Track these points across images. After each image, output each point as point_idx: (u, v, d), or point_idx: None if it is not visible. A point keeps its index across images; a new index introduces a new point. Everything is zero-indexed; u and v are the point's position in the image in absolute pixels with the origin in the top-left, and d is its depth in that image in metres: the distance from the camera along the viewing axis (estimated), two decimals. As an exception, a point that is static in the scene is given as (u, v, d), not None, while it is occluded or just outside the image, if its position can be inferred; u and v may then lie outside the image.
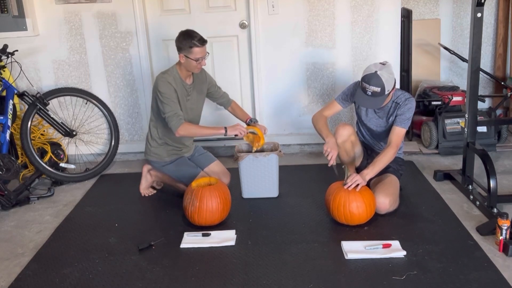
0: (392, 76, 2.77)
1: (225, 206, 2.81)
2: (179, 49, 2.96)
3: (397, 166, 3.04)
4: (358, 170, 3.17)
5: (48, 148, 3.74)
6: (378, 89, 2.72)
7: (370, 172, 2.80)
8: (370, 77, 2.73)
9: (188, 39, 2.91)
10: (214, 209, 2.75)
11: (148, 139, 3.21)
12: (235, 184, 3.28)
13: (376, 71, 2.72)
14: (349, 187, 2.71)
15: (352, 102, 3.06)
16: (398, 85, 3.93)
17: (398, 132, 2.88)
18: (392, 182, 2.91)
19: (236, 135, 3.02)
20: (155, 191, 3.41)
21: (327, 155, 2.88)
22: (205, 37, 3.06)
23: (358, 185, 2.71)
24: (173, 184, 3.31)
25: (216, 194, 2.77)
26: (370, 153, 3.22)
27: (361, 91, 2.81)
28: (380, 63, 2.79)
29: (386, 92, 2.75)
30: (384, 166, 2.86)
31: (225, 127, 2.99)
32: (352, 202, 2.66)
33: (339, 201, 2.69)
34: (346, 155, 3.12)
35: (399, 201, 2.96)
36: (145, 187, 3.37)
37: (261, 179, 3.15)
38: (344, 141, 3.03)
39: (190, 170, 3.18)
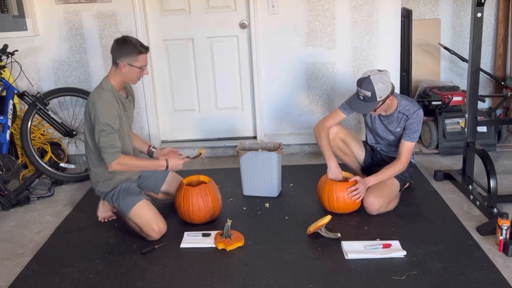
0: (386, 85, 2.72)
1: (214, 203, 2.82)
2: (120, 57, 2.65)
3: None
4: (364, 168, 3.21)
5: (48, 148, 3.74)
6: (368, 93, 2.71)
7: (374, 180, 2.87)
8: (362, 81, 2.73)
9: (132, 46, 2.65)
10: (201, 207, 2.77)
11: (92, 168, 2.80)
12: (237, 183, 3.28)
13: (369, 76, 2.72)
14: (352, 196, 2.80)
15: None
16: (397, 86, 3.96)
17: (408, 147, 2.89)
18: (388, 184, 2.89)
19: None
20: (115, 217, 3.03)
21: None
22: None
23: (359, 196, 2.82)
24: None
25: (199, 191, 2.78)
26: (375, 151, 3.20)
27: (355, 95, 2.83)
28: (378, 70, 2.78)
29: (378, 99, 2.72)
30: (389, 178, 2.90)
31: (166, 159, 2.76)
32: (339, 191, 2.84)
33: (329, 190, 2.85)
34: (343, 153, 3.13)
35: (397, 203, 2.96)
36: (103, 211, 3.02)
37: (260, 177, 3.16)
38: (333, 139, 3.04)
39: (133, 198, 2.74)
